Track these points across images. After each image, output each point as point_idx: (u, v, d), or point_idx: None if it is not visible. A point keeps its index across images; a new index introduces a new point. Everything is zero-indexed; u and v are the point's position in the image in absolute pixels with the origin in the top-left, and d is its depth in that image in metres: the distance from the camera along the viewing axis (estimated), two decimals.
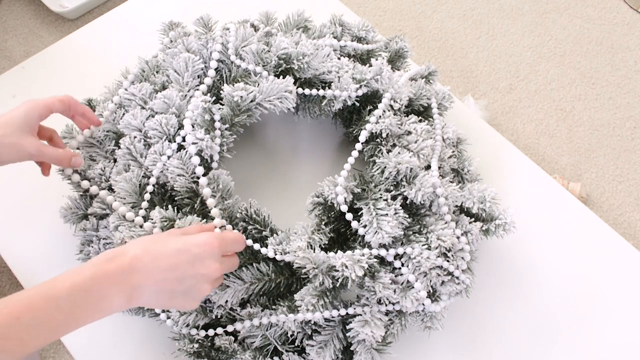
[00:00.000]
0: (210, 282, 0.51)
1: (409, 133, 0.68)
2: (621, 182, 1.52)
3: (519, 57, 1.71)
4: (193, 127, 0.62)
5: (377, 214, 0.60)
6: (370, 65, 0.70)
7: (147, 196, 0.61)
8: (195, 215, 0.60)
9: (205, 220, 0.60)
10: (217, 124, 0.63)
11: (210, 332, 0.60)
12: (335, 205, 0.62)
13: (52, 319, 0.43)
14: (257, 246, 0.60)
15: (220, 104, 0.65)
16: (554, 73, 1.68)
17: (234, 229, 0.62)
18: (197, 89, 0.66)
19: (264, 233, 0.62)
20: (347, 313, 0.59)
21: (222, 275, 0.54)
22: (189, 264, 0.49)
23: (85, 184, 0.64)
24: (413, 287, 0.59)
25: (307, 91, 0.68)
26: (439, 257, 0.60)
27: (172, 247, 0.49)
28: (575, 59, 1.71)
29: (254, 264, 0.60)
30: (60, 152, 0.61)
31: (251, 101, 0.64)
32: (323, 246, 0.61)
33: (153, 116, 0.63)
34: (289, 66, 0.68)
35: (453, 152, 0.71)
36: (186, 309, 0.55)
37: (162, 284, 0.48)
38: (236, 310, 0.60)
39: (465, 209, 0.66)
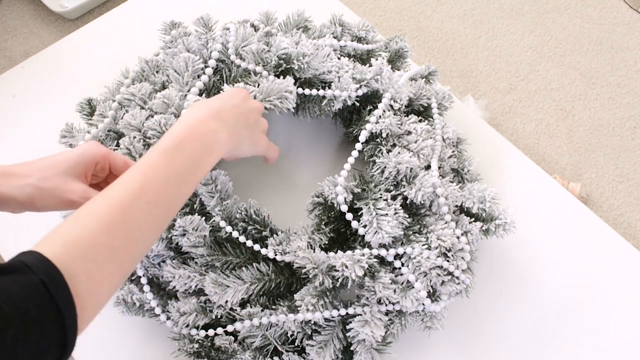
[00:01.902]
0: (264, 130, 0.60)
1: (409, 133, 0.68)
2: (621, 182, 1.52)
3: (519, 57, 1.71)
4: None
5: (377, 214, 0.60)
6: (370, 65, 0.70)
7: None
8: (197, 214, 0.60)
9: (204, 218, 0.60)
10: None
11: (210, 332, 0.60)
12: (335, 205, 0.62)
13: (173, 167, 0.45)
14: (257, 247, 0.60)
15: None
16: (554, 73, 1.68)
17: (233, 229, 0.62)
18: (194, 86, 0.66)
19: (263, 233, 0.62)
20: (347, 313, 0.59)
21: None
22: (243, 99, 0.57)
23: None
24: (413, 287, 0.59)
25: (307, 91, 0.68)
26: (439, 257, 0.60)
27: (222, 96, 0.57)
28: (575, 59, 1.71)
29: (254, 264, 0.60)
30: None
31: None
32: (323, 246, 0.61)
33: (152, 116, 0.63)
34: (289, 66, 0.68)
35: (453, 152, 0.71)
36: (259, 146, 0.60)
37: (238, 117, 0.54)
38: (236, 310, 0.59)
39: (465, 209, 0.66)
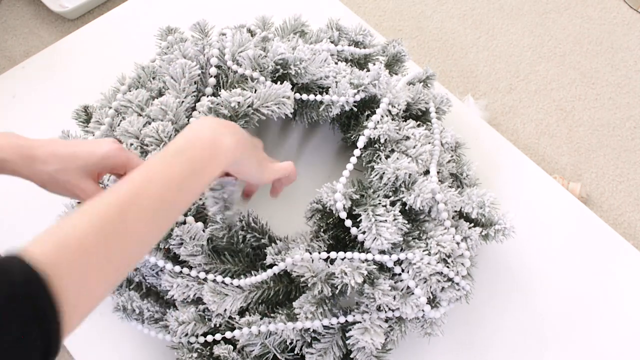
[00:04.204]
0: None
1: (407, 138, 0.68)
2: (621, 182, 1.51)
3: (519, 57, 1.70)
4: None
5: (376, 220, 0.60)
6: (368, 70, 0.70)
7: None
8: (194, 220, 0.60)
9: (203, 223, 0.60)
10: None
11: (209, 338, 0.59)
12: (334, 211, 0.61)
13: (173, 171, 0.44)
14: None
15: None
16: (554, 73, 1.68)
17: (232, 237, 0.61)
18: (204, 94, 0.66)
19: (262, 241, 0.62)
20: (346, 320, 0.59)
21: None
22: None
23: None
24: (413, 294, 0.59)
25: (304, 96, 0.68)
26: (439, 262, 0.60)
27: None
28: (575, 59, 1.70)
29: (253, 272, 0.60)
30: None
31: (249, 107, 0.64)
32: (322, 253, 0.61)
33: (150, 123, 0.63)
34: (286, 71, 0.67)
35: (452, 156, 0.71)
36: (266, 167, 0.57)
37: (243, 132, 0.52)
38: (235, 318, 0.59)
39: (465, 214, 0.66)
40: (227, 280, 0.59)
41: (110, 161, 0.53)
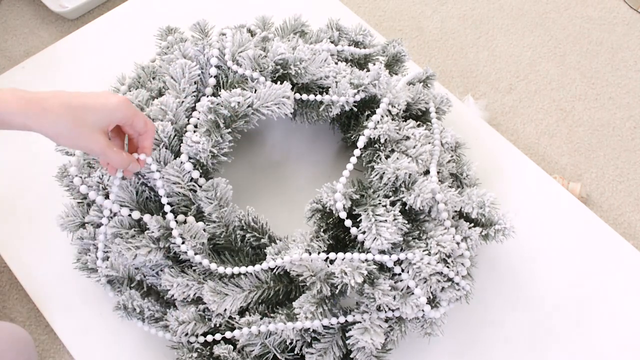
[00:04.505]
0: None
1: (407, 138, 0.68)
2: (621, 182, 1.51)
3: (519, 57, 1.70)
4: (196, 127, 0.62)
5: (376, 220, 0.60)
6: (368, 70, 0.70)
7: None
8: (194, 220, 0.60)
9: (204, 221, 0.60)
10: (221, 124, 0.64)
11: (209, 337, 0.59)
12: (334, 211, 0.61)
13: None
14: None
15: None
16: (554, 73, 1.68)
17: (231, 235, 0.61)
18: (204, 94, 0.66)
19: (262, 240, 0.62)
20: (346, 320, 0.59)
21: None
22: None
23: (83, 188, 0.63)
24: (413, 294, 0.59)
25: (304, 96, 0.68)
26: (439, 262, 0.60)
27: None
28: (575, 59, 1.70)
29: (253, 272, 0.60)
30: (123, 156, 0.56)
31: (248, 107, 0.64)
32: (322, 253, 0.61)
33: None
34: (286, 71, 0.67)
35: (452, 156, 0.71)
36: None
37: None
38: (235, 318, 0.59)
39: (465, 214, 0.66)
40: (229, 270, 0.59)
41: (121, 114, 0.54)
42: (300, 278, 0.57)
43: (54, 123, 0.49)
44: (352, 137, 0.71)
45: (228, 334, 0.59)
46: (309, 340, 0.59)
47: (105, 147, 0.53)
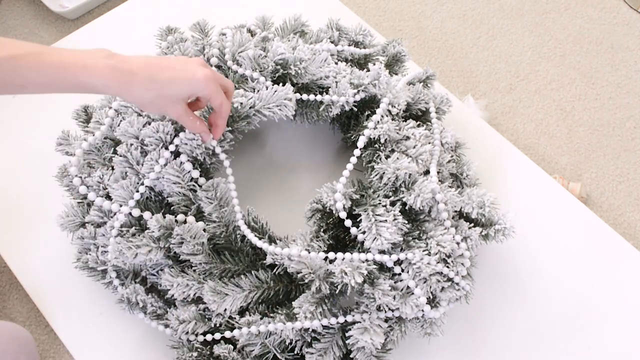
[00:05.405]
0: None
1: (407, 138, 0.68)
2: (621, 182, 1.51)
3: (519, 57, 1.70)
4: None
5: (376, 220, 0.60)
6: (368, 70, 0.70)
7: (136, 195, 0.61)
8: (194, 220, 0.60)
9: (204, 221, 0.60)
10: None
11: (209, 337, 0.60)
12: (334, 211, 0.61)
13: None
14: (261, 243, 0.60)
15: None
16: (554, 73, 1.68)
17: (231, 235, 0.61)
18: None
19: (262, 240, 0.62)
20: (346, 320, 0.59)
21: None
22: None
23: (83, 189, 0.63)
24: (413, 294, 0.59)
25: (304, 96, 0.68)
26: (439, 262, 0.60)
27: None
28: (575, 59, 1.70)
29: (253, 272, 0.60)
30: (196, 124, 0.59)
31: (250, 108, 0.64)
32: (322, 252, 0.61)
33: (149, 123, 0.63)
34: (286, 71, 0.67)
35: (452, 156, 0.71)
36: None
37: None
38: (235, 318, 0.59)
39: (465, 214, 0.66)
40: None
41: (202, 91, 0.56)
42: (299, 275, 0.57)
43: (140, 97, 0.53)
44: (352, 137, 0.71)
45: (228, 334, 0.59)
46: (309, 340, 0.59)
47: (181, 115, 0.57)
